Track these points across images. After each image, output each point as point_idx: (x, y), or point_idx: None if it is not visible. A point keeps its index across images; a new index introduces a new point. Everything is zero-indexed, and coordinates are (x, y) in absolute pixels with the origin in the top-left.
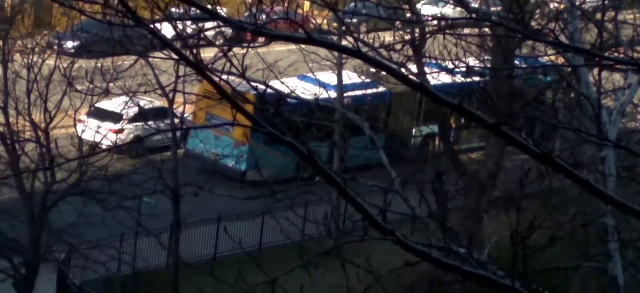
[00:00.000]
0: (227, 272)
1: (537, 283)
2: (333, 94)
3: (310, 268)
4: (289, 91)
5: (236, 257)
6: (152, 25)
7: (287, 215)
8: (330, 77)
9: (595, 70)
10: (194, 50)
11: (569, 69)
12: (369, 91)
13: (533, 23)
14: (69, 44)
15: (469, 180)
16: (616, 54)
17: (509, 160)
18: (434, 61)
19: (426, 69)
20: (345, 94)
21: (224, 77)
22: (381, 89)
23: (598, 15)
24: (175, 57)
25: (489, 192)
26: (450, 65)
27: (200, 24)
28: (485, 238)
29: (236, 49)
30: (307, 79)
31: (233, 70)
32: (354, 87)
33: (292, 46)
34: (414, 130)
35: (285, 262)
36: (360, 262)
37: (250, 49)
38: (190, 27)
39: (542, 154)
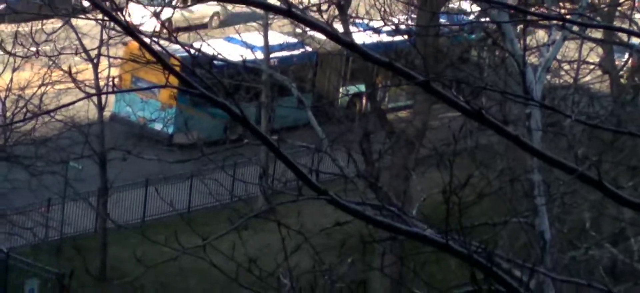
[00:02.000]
0: (156, 235)
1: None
2: (260, 55)
3: (239, 229)
4: (216, 53)
5: (165, 221)
6: None
7: (216, 177)
8: (256, 39)
9: (520, 28)
10: (123, 11)
11: (494, 27)
12: (296, 52)
13: None
14: None
15: (396, 139)
16: (541, 10)
17: (436, 118)
18: (360, 21)
19: (352, 29)
20: (272, 55)
21: (153, 39)
22: (308, 49)
23: None
24: (102, 19)
25: (416, 150)
26: (377, 24)
27: None
28: (414, 196)
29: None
30: (234, 41)
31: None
32: (281, 48)
33: (218, 8)
34: (341, 90)
35: (215, 225)
36: (291, 223)
37: (177, 10)
38: None
39: (473, 111)
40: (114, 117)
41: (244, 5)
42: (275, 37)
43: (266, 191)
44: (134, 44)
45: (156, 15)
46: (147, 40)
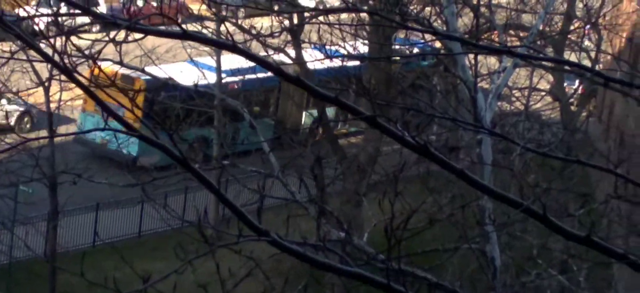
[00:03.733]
0: (106, 259)
1: (416, 265)
2: (227, 78)
3: (189, 256)
4: (169, 77)
5: (115, 245)
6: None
7: (167, 202)
8: (222, 61)
9: (472, 54)
10: (61, 48)
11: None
12: (260, 76)
13: (410, 8)
14: None
15: (348, 165)
16: (492, 38)
17: (388, 144)
18: (313, 46)
19: (306, 54)
20: (231, 79)
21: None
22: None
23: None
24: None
25: (368, 176)
26: (330, 51)
27: (71, 20)
28: (365, 222)
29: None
30: (201, 65)
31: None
32: (241, 72)
33: None
34: (304, 115)
35: (165, 250)
36: (241, 248)
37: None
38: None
39: (419, 146)
40: (78, 139)
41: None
42: (236, 60)
43: (205, 230)
44: (97, 68)
45: (93, 59)
46: (106, 65)
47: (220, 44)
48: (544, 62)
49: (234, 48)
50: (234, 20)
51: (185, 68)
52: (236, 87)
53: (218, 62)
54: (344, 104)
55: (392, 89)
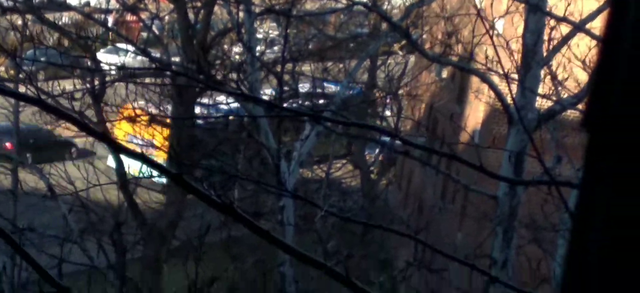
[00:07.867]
0: None
1: None
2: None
3: None
4: None
5: None
6: None
7: None
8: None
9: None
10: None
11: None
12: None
13: (215, 73)
14: None
15: (148, 230)
16: (294, 105)
17: (190, 210)
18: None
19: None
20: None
21: None
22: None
23: (278, 68)
24: None
25: (169, 241)
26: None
27: None
28: (165, 288)
29: None
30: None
31: None
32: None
33: None
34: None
35: None
36: None
37: None
38: None
39: (224, 205)
40: None
41: None
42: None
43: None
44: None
45: None
46: None
47: (26, 98)
48: (347, 130)
49: (39, 102)
50: (34, 83)
51: None
52: None
53: (17, 124)
54: (149, 160)
55: (196, 152)
